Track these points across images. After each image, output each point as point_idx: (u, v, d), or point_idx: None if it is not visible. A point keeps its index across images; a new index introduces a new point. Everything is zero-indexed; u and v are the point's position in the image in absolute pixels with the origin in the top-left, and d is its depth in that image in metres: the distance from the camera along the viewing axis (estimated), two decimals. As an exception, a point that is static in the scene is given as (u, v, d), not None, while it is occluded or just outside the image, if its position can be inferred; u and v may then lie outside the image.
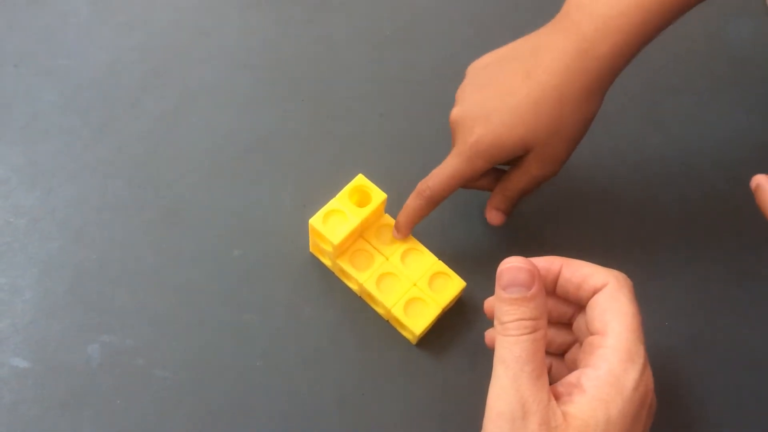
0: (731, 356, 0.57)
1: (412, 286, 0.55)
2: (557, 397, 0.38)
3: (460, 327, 0.57)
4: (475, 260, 0.59)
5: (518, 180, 0.54)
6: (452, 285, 0.56)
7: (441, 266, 0.56)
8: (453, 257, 0.57)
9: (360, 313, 0.57)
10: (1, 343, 0.55)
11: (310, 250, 0.58)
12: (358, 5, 0.72)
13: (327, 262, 0.58)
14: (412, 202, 0.55)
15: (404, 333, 0.56)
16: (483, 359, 0.51)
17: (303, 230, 0.58)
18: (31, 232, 0.59)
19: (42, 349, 0.55)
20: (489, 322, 0.49)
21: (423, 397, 0.55)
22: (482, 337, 0.51)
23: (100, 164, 0.62)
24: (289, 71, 0.68)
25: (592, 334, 0.41)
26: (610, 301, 0.41)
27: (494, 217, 0.56)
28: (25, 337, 0.55)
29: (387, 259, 0.56)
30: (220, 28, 0.70)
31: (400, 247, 0.57)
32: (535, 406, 0.37)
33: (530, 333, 0.38)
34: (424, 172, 0.55)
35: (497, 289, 0.40)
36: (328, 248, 0.55)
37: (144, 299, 0.57)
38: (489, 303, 0.48)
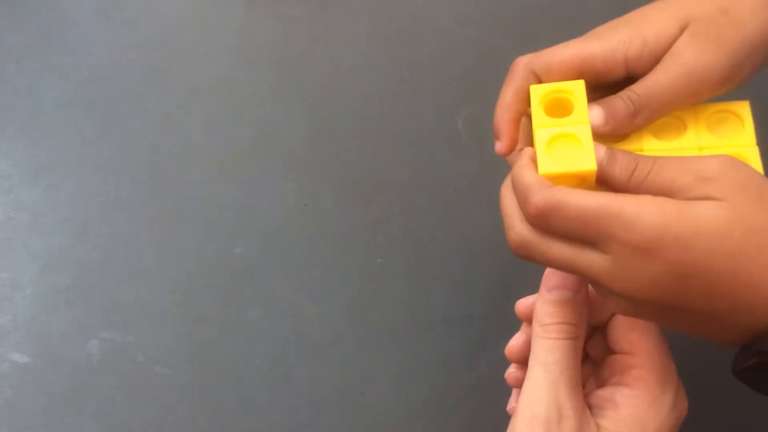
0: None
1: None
2: (589, 408, 0.38)
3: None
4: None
5: (662, 75, 0.37)
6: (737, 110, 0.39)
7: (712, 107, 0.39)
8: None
9: (362, 311, 0.57)
10: (2, 339, 0.55)
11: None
12: (362, 4, 0.72)
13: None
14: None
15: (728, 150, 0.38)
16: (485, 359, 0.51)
17: (305, 228, 0.58)
18: (32, 227, 0.59)
19: (43, 345, 0.55)
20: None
21: (425, 396, 0.55)
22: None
23: (102, 160, 0.62)
24: (293, 69, 0.68)
25: (616, 353, 0.40)
26: (634, 320, 0.40)
27: (607, 114, 0.37)
28: (26, 332, 0.55)
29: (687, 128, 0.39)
30: (224, 25, 0.70)
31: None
32: (571, 412, 0.36)
33: (572, 338, 0.38)
34: (428, 171, 0.55)
35: (542, 290, 0.39)
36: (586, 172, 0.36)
37: (145, 296, 0.57)
38: (523, 304, 0.44)
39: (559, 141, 0.36)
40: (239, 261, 0.59)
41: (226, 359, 0.55)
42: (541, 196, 0.33)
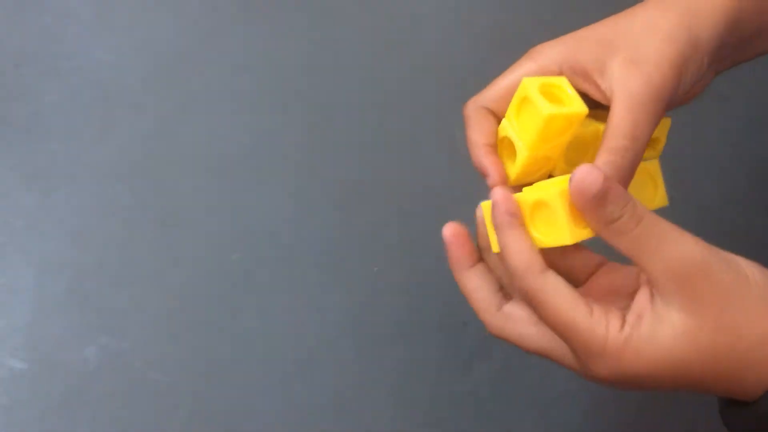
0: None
1: None
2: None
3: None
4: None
5: (615, 111, 0.37)
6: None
7: None
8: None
9: (358, 318, 0.58)
10: (-2, 344, 0.55)
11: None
12: (359, 12, 0.72)
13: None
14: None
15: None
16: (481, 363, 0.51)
17: (302, 235, 0.58)
18: (29, 232, 0.59)
19: (39, 351, 0.55)
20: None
21: (420, 402, 0.55)
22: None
23: (99, 166, 0.62)
24: (290, 76, 0.68)
25: None
26: None
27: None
28: (22, 338, 0.55)
29: None
30: (222, 31, 0.70)
31: None
32: None
33: None
34: (424, 177, 0.55)
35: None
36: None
37: (142, 301, 0.57)
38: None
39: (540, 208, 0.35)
40: (236, 267, 0.59)
41: (222, 365, 0.55)
42: (526, 286, 0.34)
